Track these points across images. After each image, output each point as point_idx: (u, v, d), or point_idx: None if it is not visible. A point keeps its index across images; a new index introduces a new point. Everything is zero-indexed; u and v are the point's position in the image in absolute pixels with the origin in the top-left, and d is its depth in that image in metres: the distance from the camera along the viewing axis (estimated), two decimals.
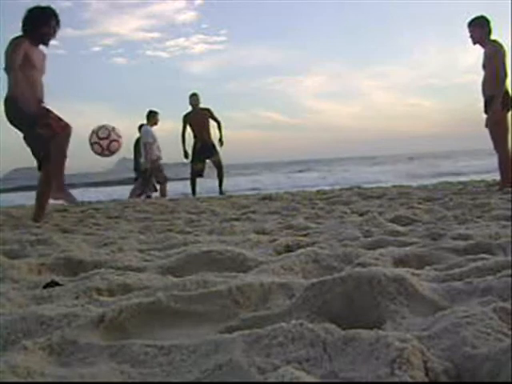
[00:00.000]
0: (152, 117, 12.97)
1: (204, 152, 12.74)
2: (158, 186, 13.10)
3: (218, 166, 12.92)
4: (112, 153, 7.22)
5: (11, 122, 6.27)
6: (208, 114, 12.77)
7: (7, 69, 6.21)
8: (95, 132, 7.25)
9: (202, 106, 12.90)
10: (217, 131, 12.78)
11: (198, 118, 12.72)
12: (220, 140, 12.68)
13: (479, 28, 7.86)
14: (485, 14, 7.98)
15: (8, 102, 6.23)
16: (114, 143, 7.22)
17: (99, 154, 7.17)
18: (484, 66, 7.80)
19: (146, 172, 12.89)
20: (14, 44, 6.25)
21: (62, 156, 6.21)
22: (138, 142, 13.38)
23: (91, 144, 7.21)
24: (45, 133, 6.07)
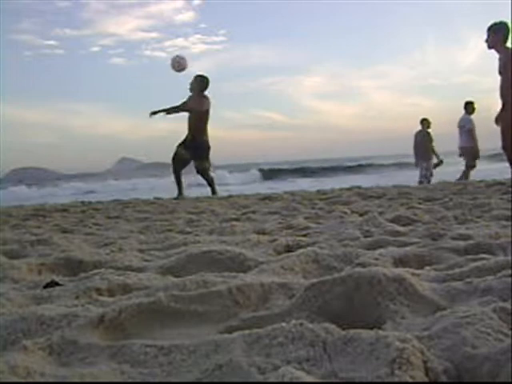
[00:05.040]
0: (470, 106, 14.31)
1: (191, 147, 11.10)
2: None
3: (202, 174, 11.39)
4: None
5: None
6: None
7: None
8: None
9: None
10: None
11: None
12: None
13: (493, 34, 7.94)
14: (505, 20, 8.06)
15: None
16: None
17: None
18: (500, 72, 7.88)
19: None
20: None
21: None
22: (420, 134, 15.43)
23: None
24: None
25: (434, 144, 15.34)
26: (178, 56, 10.40)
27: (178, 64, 10.14)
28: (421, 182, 14.50)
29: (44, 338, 1.51)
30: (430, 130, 15.44)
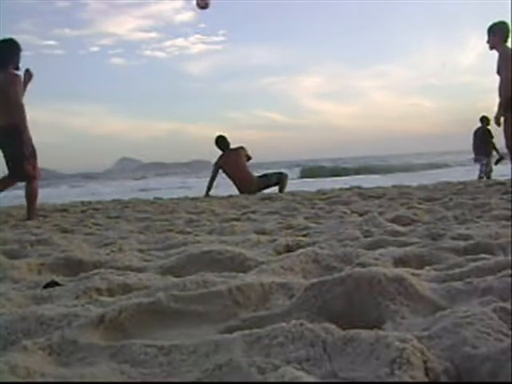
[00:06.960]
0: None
1: None
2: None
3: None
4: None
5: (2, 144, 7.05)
6: (242, 152, 11.94)
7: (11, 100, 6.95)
8: None
9: (220, 133, 12.22)
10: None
11: (231, 160, 11.87)
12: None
13: (494, 34, 8.04)
14: (505, 20, 8.09)
15: (10, 129, 6.94)
16: None
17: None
18: (498, 72, 7.94)
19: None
20: (15, 78, 7.06)
21: (36, 194, 7.29)
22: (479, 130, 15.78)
23: None
24: (29, 171, 7.11)
25: (494, 140, 15.50)
26: None
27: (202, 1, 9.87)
28: (480, 178, 14.62)
29: (44, 338, 1.51)
30: (489, 127, 15.62)
